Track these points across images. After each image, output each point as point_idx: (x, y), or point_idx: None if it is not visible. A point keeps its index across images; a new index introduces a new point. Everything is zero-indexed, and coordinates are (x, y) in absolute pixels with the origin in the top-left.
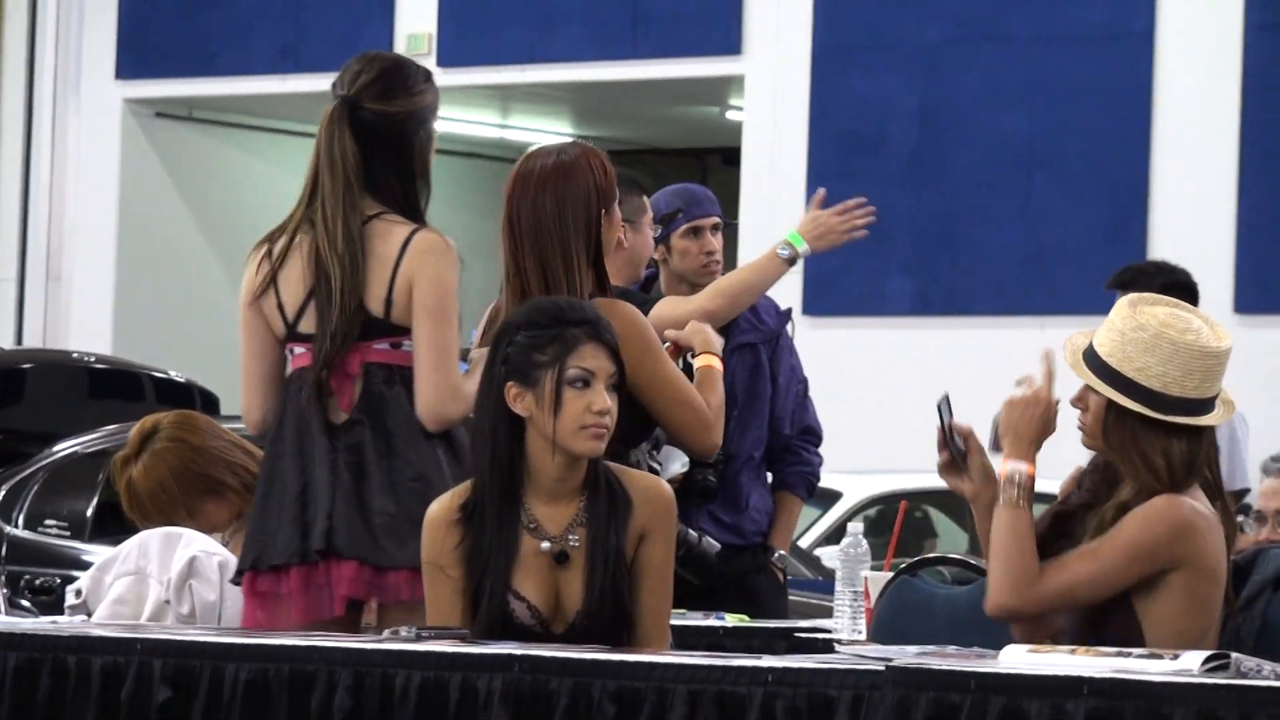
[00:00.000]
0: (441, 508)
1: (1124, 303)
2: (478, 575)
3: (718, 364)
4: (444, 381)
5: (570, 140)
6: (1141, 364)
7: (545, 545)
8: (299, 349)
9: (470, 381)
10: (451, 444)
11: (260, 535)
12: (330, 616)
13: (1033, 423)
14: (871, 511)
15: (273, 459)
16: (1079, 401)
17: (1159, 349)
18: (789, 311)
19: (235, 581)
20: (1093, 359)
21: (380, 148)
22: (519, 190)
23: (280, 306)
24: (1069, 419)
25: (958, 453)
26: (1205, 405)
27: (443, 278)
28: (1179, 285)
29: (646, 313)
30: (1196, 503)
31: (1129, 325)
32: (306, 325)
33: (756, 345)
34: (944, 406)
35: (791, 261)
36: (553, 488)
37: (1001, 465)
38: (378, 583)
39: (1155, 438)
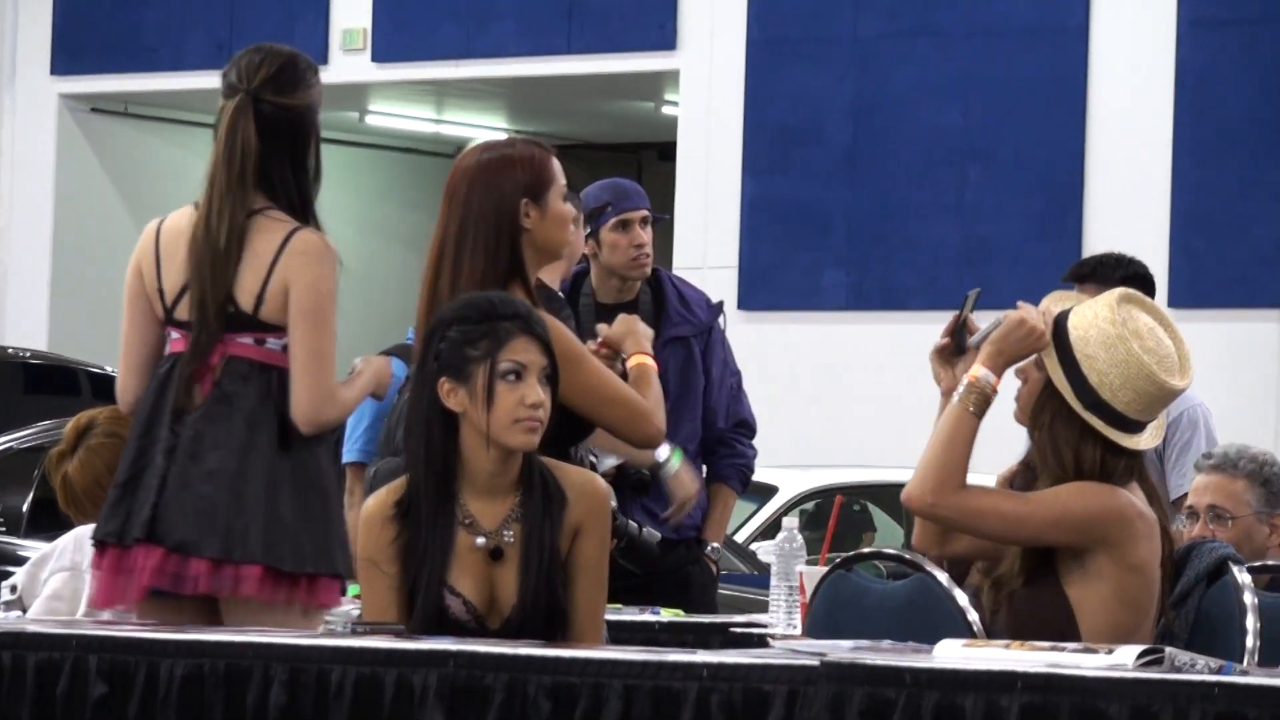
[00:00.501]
0: (377, 504)
1: (1118, 293)
2: (413, 571)
3: (650, 361)
4: (319, 385)
5: (510, 137)
6: (1092, 353)
7: (480, 541)
8: (175, 334)
9: (347, 387)
10: (309, 448)
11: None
12: (129, 603)
13: (1022, 350)
14: (807, 506)
15: (127, 442)
16: (1021, 373)
17: (1114, 349)
18: (721, 304)
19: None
20: (1060, 328)
21: (278, 142)
22: (447, 186)
23: (161, 291)
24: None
25: (959, 347)
26: (1129, 424)
27: (319, 281)
28: (1138, 277)
29: (577, 326)
30: (1138, 500)
31: (1104, 315)
32: (182, 312)
33: (689, 339)
34: (972, 299)
35: (659, 465)
36: (487, 483)
37: (974, 368)
38: (180, 573)
39: (1071, 431)
